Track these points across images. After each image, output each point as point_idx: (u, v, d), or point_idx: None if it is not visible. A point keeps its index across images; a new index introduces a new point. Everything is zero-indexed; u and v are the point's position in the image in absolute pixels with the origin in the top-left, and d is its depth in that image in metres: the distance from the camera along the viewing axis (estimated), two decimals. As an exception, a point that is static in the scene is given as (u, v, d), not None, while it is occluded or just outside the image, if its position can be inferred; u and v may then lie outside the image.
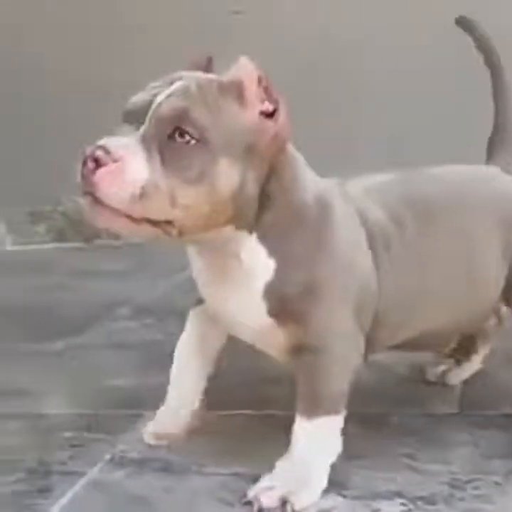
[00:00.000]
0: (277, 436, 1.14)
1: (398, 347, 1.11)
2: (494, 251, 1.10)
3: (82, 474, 1.11)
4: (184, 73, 0.96)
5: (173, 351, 1.16)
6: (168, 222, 0.91)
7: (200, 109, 0.90)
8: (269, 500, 0.96)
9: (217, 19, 2.53)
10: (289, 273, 0.97)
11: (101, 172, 0.87)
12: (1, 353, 1.64)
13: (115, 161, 0.88)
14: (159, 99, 0.91)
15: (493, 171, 1.18)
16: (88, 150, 0.88)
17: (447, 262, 1.07)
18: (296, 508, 0.96)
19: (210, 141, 0.90)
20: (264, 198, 0.96)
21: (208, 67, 1.00)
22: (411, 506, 0.97)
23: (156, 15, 2.59)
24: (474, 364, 1.31)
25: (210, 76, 0.96)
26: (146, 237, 0.94)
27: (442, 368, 1.31)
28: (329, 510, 0.97)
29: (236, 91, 0.93)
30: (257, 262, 0.97)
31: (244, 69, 0.94)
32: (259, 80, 0.93)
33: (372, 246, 1.02)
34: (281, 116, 0.94)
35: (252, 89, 0.93)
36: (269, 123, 0.94)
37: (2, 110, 2.70)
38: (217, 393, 1.18)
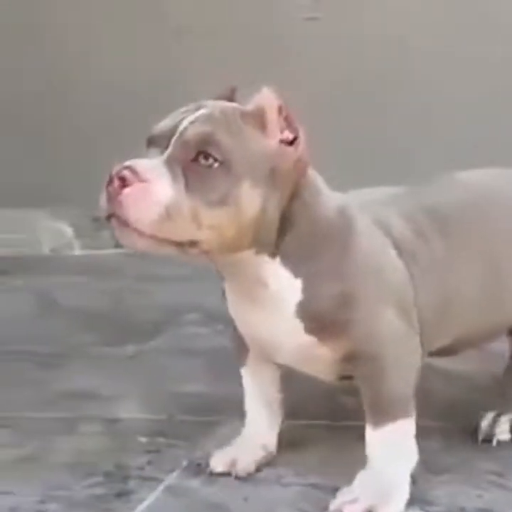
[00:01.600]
0: (355, 446, 1.12)
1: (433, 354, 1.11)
2: None
3: (159, 480, 1.10)
4: (208, 102, 0.98)
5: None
6: (192, 244, 0.92)
7: (223, 134, 0.92)
8: None
9: (290, 25, 2.53)
10: (318, 288, 0.97)
11: (127, 191, 0.88)
12: (73, 357, 1.65)
13: (141, 181, 0.89)
14: (184, 124, 0.93)
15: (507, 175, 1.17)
16: (115, 169, 0.90)
17: (472, 269, 1.07)
18: None
19: (233, 164, 0.92)
20: (285, 222, 0.97)
21: (231, 97, 1.02)
22: (500, 524, 0.94)
23: (229, 19, 2.60)
24: None
25: (234, 104, 0.99)
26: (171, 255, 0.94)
27: None
28: (415, 525, 0.95)
29: (258, 119, 0.95)
30: (282, 284, 0.98)
31: (266, 98, 0.96)
32: (280, 110, 0.96)
33: (400, 254, 1.03)
34: (301, 143, 0.96)
35: (273, 118, 0.96)
36: (289, 149, 0.96)
37: (71, 115, 2.74)
38: (295, 403, 1.16)
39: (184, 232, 0.90)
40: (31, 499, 1.07)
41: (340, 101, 2.48)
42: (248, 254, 0.96)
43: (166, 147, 0.93)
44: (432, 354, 1.10)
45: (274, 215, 0.95)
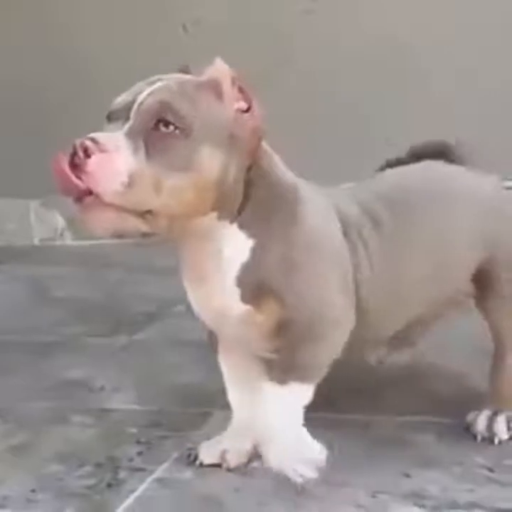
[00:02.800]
0: (346, 439, 1.13)
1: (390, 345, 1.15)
2: (464, 241, 1.13)
3: (150, 471, 1.10)
4: (164, 76, 1.00)
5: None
6: (155, 212, 0.93)
7: (181, 102, 0.94)
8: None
9: (287, 18, 2.52)
10: (266, 251, 1.00)
11: (91, 162, 0.90)
12: (65, 347, 1.64)
13: (103, 151, 0.90)
14: (142, 96, 0.95)
15: (459, 168, 1.20)
16: (77, 141, 0.91)
17: (423, 254, 1.10)
18: None
19: (192, 130, 0.94)
20: (244, 189, 1.00)
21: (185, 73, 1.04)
22: (491, 519, 0.94)
23: (234, 13, 2.59)
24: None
25: (189, 76, 1.01)
26: (134, 232, 0.95)
27: (382, 352, 1.32)
28: (407, 519, 0.95)
29: (213, 89, 0.98)
30: (236, 247, 1.00)
31: (220, 70, 0.99)
32: (233, 81, 0.98)
33: (348, 238, 1.06)
34: (256, 112, 0.99)
35: (227, 88, 0.98)
36: (245, 116, 0.99)
37: (65, 107, 2.73)
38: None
39: (147, 199, 0.91)
40: (22, 489, 1.07)
41: (342, 92, 2.49)
42: (209, 219, 0.98)
43: (126, 120, 0.94)
44: (391, 346, 1.15)
45: (235, 180, 0.98)
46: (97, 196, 0.90)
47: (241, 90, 0.99)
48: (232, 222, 1.00)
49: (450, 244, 1.12)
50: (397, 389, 1.31)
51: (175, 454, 1.14)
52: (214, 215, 0.98)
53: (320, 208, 1.06)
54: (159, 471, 1.10)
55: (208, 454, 1.11)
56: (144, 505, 1.02)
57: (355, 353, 1.08)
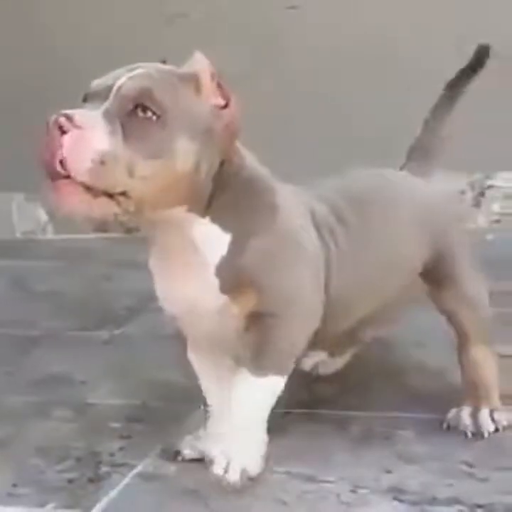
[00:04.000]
0: (331, 435, 1.13)
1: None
2: (413, 240, 1.17)
3: (132, 466, 1.10)
4: (143, 63, 1.00)
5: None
6: (125, 195, 0.93)
7: (161, 90, 0.95)
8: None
9: (271, 14, 2.52)
10: (243, 244, 1.01)
11: (64, 138, 0.90)
12: (46, 341, 1.64)
13: (77, 127, 0.90)
14: (122, 80, 0.96)
15: (403, 173, 1.28)
16: (52, 118, 0.91)
17: (378, 252, 1.13)
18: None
19: (169, 118, 0.94)
20: (217, 183, 1.00)
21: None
22: (470, 514, 0.95)
23: (223, 5, 2.59)
24: (345, 359, 1.37)
25: (169, 67, 1.02)
26: (104, 215, 0.95)
27: (316, 359, 1.34)
28: (387, 514, 0.96)
29: (193, 82, 0.99)
30: (210, 241, 1.01)
31: (200, 64, 1.00)
32: (212, 76, 0.99)
33: (319, 233, 1.08)
34: (233, 108, 1.00)
35: (206, 82, 0.99)
36: (223, 111, 1.00)
37: (52, 100, 2.72)
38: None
39: (118, 181, 0.92)
40: (3, 483, 1.07)
41: (328, 87, 2.49)
42: (179, 212, 0.98)
43: (104, 102, 0.94)
44: (337, 345, 1.22)
45: (206, 173, 0.98)
46: (70, 175, 0.90)
47: (219, 86, 1.00)
48: (203, 215, 1.00)
49: (400, 241, 1.16)
50: (377, 385, 1.32)
51: (157, 449, 1.14)
52: (184, 207, 0.98)
53: (295, 205, 1.07)
54: (141, 466, 1.10)
55: (189, 449, 1.11)
56: (126, 500, 1.02)
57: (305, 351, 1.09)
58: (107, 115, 0.93)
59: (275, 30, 2.52)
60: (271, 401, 1.03)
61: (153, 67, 0.99)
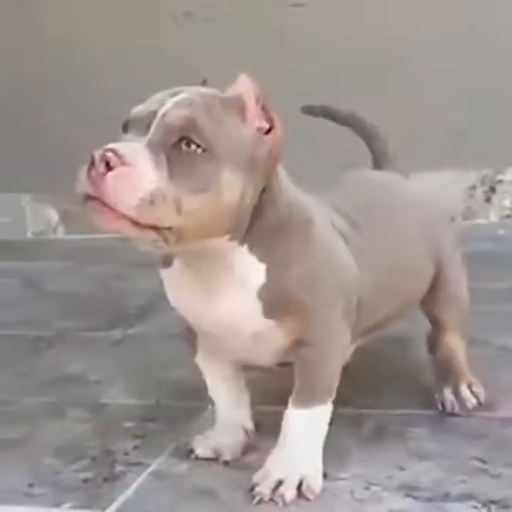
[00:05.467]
0: (338, 433, 1.13)
1: None
2: (421, 246, 1.21)
3: (146, 465, 1.11)
4: (187, 87, 0.97)
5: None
6: (170, 229, 0.91)
7: (205, 119, 0.92)
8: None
9: (276, 12, 2.52)
10: (282, 272, 0.99)
11: (111, 175, 0.87)
12: (60, 341, 1.65)
13: (125, 164, 0.88)
14: (165, 108, 0.92)
15: (394, 175, 1.30)
16: (97, 152, 0.88)
17: (393, 256, 1.14)
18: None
19: (215, 151, 0.91)
20: (254, 211, 0.98)
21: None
22: (484, 510, 0.95)
23: (229, 3, 2.59)
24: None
25: (213, 90, 0.98)
26: (143, 243, 0.93)
27: None
28: (400, 511, 0.96)
29: (237, 106, 0.95)
30: (248, 268, 0.99)
31: (244, 86, 0.96)
32: (257, 99, 0.96)
33: (346, 244, 1.09)
34: (277, 133, 0.97)
35: (251, 106, 0.96)
36: (266, 137, 0.97)
37: (60, 99, 2.73)
38: (283, 390, 1.16)
39: (165, 217, 0.89)
40: (19, 483, 1.08)
41: (332, 86, 2.49)
42: (221, 241, 0.96)
43: (146, 130, 0.92)
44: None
45: (250, 202, 0.96)
46: (113, 207, 0.87)
47: (264, 109, 0.96)
48: (242, 243, 0.98)
49: (411, 244, 1.19)
50: (389, 383, 1.32)
51: (171, 448, 1.15)
52: (226, 236, 0.96)
53: (326, 224, 1.06)
54: (155, 465, 1.11)
55: (202, 448, 1.12)
56: (141, 499, 1.03)
57: None
58: (152, 147, 0.90)
59: (279, 28, 2.52)
60: (322, 429, 1.04)
61: (197, 91, 0.96)
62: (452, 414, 1.19)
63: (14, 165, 2.75)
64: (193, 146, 0.91)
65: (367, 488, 1.01)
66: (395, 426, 1.17)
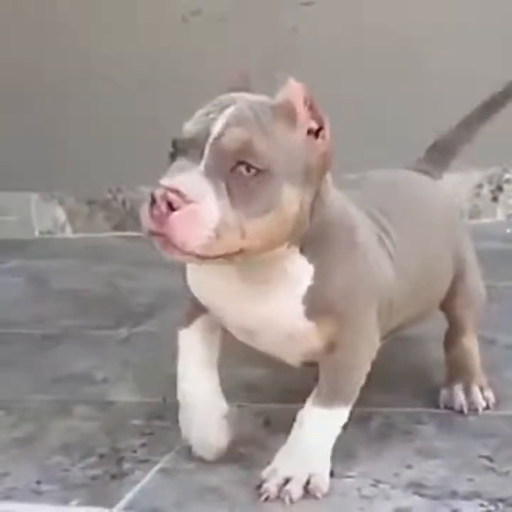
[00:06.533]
0: (349, 430, 1.13)
1: None
2: (444, 247, 1.21)
3: (154, 462, 1.11)
4: (234, 96, 0.95)
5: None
6: (236, 252, 0.91)
7: (260, 139, 0.90)
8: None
9: (285, 11, 2.52)
10: (327, 276, 1.00)
11: (176, 216, 0.86)
12: (67, 340, 1.65)
13: (188, 202, 0.86)
14: (217, 129, 0.90)
15: (422, 176, 1.29)
16: (158, 193, 0.86)
17: (418, 260, 1.14)
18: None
19: (273, 170, 0.90)
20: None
21: (247, 87, 0.99)
22: (491, 508, 0.95)
23: (236, 3, 2.59)
24: None
25: (261, 99, 0.96)
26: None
27: None
28: (408, 509, 0.96)
29: (288, 113, 0.94)
30: (299, 269, 0.99)
31: (294, 90, 0.94)
32: (305, 100, 0.94)
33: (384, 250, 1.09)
34: (327, 134, 0.96)
35: (301, 110, 0.94)
36: (318, 142, 0.95)
37: (69, 101, 2.73)
38: (288, 387, 1.17)
39: (231, 245, 0.89)
40: (27, 480, 1.08)
41: (341, 87, 2.49)
42: (281, 249, 0.96)
43: (200, 154, 0.89)
44: None
45: (306, 209, 0.96)
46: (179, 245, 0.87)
47: (312, 109, 0.95)
48: (295, 247, 0.98)
49: (437, 245, 1.19)
50: (397, 381, 1.32)
51: (178, 445, 1.15)
52: (285, 244, 0.96)
53: (366, 229, 1.06)
54: (163, 462, 1.11)
55: (204, 449, 1.10)
56: (148, 496, 1.03)
57: None
58: (210, 176, 0.88)
59: (290, 26, 2.52)
60: (337, 430, 1.04)
61: (246, 102, 0.93)
62: (460, 412, 1.19)
63: (21, 164, 2.75)
64: (252, 171, 0.89)
65: (374, 486, 1.01)
66: (402, 424, 1.17)
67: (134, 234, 2.65)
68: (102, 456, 1.14)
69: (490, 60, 2.39)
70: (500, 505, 0.95)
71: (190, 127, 0.92)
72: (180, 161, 0.91)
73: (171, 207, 0.86)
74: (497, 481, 1.01)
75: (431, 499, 0.98)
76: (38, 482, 1.08)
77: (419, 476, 1.02)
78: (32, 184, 2.75)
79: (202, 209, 0.87)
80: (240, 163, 0.89)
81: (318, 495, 0.99)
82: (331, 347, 1.02)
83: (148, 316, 1.78)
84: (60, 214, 2.79)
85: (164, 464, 1.10)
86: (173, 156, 0.93)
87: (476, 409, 1.19)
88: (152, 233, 0.88)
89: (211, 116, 0.92)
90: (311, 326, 1.00)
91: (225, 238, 0.88)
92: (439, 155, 1.33)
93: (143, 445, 1.16)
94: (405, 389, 1.28)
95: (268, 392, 1.11)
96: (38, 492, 1.06)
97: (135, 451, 1.15)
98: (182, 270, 1.10)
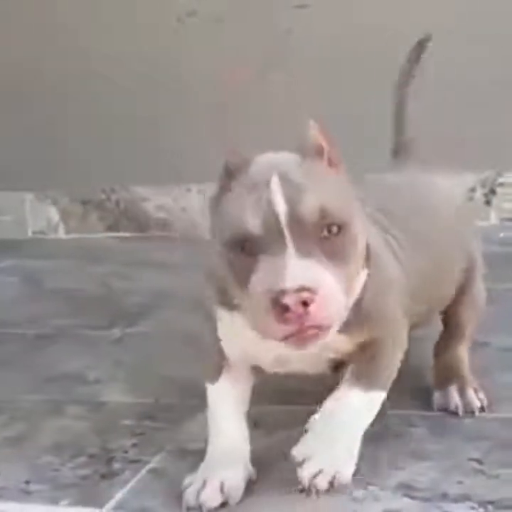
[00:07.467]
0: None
1: None
2: (454, 244, 1.21)
3: (144, 463, 1.11)
4: (275, 164, 0.92)
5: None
6: None
7: (326, 196, 0.90)
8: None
9: (280, 13, 2.52)
10: (356, 291, 1.00)
11: (314, 310, 0.86)
12: (59, 340, 1.65)
13: (316, 292, 0.86)
14: (284, 208, 0.88)
15: (428, 176, 1.30)
16: (290, 299, 0.85)
17: (422, 257, 1.13)
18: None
19: (346, 219, 0.91)
20: None
21: (247, 161, 0.94)
22: (481, 510, 0.95)
23: (232, 4, 2.59)
24: None
25: (296, 156, 0.94)
26: None
27: None
28: (398, 511, 0.96)
29: (322, 155, 0.94)
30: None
31: (318, 132, 0.94)
32: (330, 141, 0.95)
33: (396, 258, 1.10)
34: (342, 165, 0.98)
35: (330, 150, 0.95)
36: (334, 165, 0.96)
37: (64, 101, 2.73)
38: (288, 388, 1.17)
39: (345, 305, 0.91)
40: (17, 480, 1.08)
41: (334, 87, 2.49)
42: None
43: (283, 241, 0.87)
44: None
45: None
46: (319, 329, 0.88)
47: (329, 142, 0.95)
48: None
49: (447, 248, 1.19)
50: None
51: (169, 446, 1.15)
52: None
53: (380, 239, 1.07)
54: (153, 463, 1.11)
55: (209, 492, 0.99)
56: (138, 496, 1.03)
57: None
58: (307, 254, 0.87)
59: (284, 28, 2.52)
60: (370, 418, 1.03)
61: (293, 164, 0.92)
62: (454, 414, 1.19)
63: (16, 164, 2.75)
64: (334, 228, 0.90)
65: (364, 488, 1.01)
66: (395, 426, 1.17)
67: (128, 234, 2.65)
68: (92, 456, 1.14)
69: (484, 63, 2.40)
70: (490, 507, 0.95)
71: (252, 221, 0.89)
72: (268, 257, 0.88)
73: (306, 304, 0.86)
74: (487, 483, 1.01)
75: (421, 501, 0.97)
76: (28, 482, 1.08)
77: (409, 478, 1.02)
78: (26, 184, 2.75)
79: (328, 289, 0.87)
80: (323, 227, 0.89)
81: (337, 488, 0.98)
82: (362, 346, 1.03)
83: (142, 316, 1.78)
84: (54, 214, 2.79)
85: (155, 465, 1.10)
86: (242, 250, 0.90)
87: (472, 411, 1.18)
88: (287, 336, 0.88)
89: (265, 197, 0.89)
90: (343, 338, 1.01)
91: (343, 304, 0.90)
92: (400, 145, 1.37)
93: (134, 445, 1.16)
94: (396, 391, 1.28)
95: (257, 394, 1.11)
96: (28, 492, 1.05)
97: (126, 452, 1.14)
98: (207, 321, 1.07)
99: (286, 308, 0.85)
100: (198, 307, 1.72)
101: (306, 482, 0.98)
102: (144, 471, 1.09)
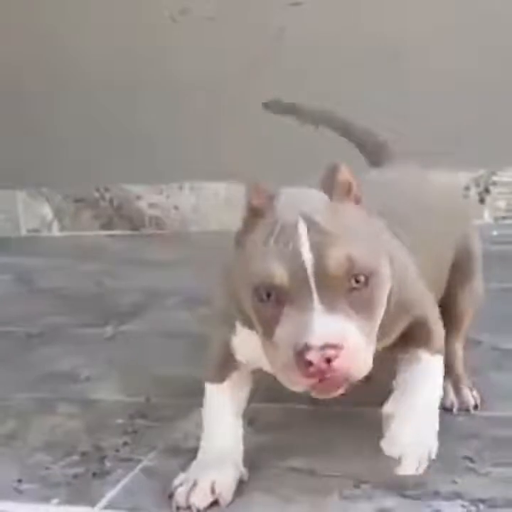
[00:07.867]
0: (334, 431, 1.13)
1: None
2: (446, 242, 1.20)
3: (136, 461, 1.11)
4: (301, 204, 0.90)
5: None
6: None
7: (351, 245, 0.88)
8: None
9: (273, 11, 2.52)
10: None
11: (338, 365, 0.85)
12: (52, 338, 1.65)
13: (341, 348, 0.85)
14: (310, 260, 0.86)
15: (419, 172, 1.29)
16: (314, 356, 0.84)
17: (425, 257, 1.12)
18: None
19: (375, 269, 0.89)
20: None
21: (269, 207, 0.91)
22: (472, 508, 0.95)
23: (225, 3, 2.59)
24: None
25: (322, 195, 0.91)
26: None
27: None
28: (390, 509, 0.96)
29: (347, 193, 0.92)
30: None
31: (346, 173, 0.92)
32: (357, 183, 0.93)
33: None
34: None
35: (356, 191, 0.93)
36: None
37: (55, 98, 2.72)
38: (276, 387, 1.16)
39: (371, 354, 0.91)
40: (8, 478, 1.08)
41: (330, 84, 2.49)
42: None
43: (308, 293, 0.86)
44: None
45: None
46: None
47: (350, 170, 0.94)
48: None
49: (439, 246, 1.18)
50: (381, 381, 1.32)
51: (160, 444, 1.15)
52: None
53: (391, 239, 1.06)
54: (145, 461, 1.11)
55: (199, 492, 0.99)
56: (130, 495, 1.02)
57: None
58: (333, 309, 0.86)
59: (278, 26, 2.52)
60: (442, 381, 1.04)
61: (320, 206, 0.90)
62: (448, 411, 1.19)
63: (9, 162, 2.75)
64: (361, 278, 0.88)
65: (356, 486, 1.01)
66: (385, 424, 1.17)
67: (121, 232, 2.65)
68: (84, 454, 1.13)
69: (478, 62, 2.40)
70: (481, 506, 0.95)
71: (279, 272, 0.87)
72: (294, 310, 0.86)
73: (330, 360, 0.85)
74: (478, 482, 1.01)
75: (413, 500, 0.97)
76: (19, 480, 1.07)
77: (401, 477, 1.02)
78: (19, 182, 2.75)
79: (352, 345, 0.86)
80: (350, 279, 0.87)
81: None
82: (404, 331, 1.03)
83: (134, 315, 1.77)
84: (48, 212, 2.79)
85: (146, 463, 1.10)
86: (268, 298, 0.88)
87: (467, 409, 1.19)
88: (310, 387, 0.88)
89: (291, 247, 0.87)
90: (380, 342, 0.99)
91: (369, 353, 0.89)
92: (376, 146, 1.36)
93: (125, 444, 1.16)
94: (389, 389, 1.28)
95: (251, 392, 1.11)
96: (19, 490, 1.05)
97: (118, 450, 1.14)
98: (217, 327, 1.05)
99: (309, 364, 0.84)
100: (195, 306, 1.74)
101: (411, 470, 0.97)
102: (135, 470, 1.08)
